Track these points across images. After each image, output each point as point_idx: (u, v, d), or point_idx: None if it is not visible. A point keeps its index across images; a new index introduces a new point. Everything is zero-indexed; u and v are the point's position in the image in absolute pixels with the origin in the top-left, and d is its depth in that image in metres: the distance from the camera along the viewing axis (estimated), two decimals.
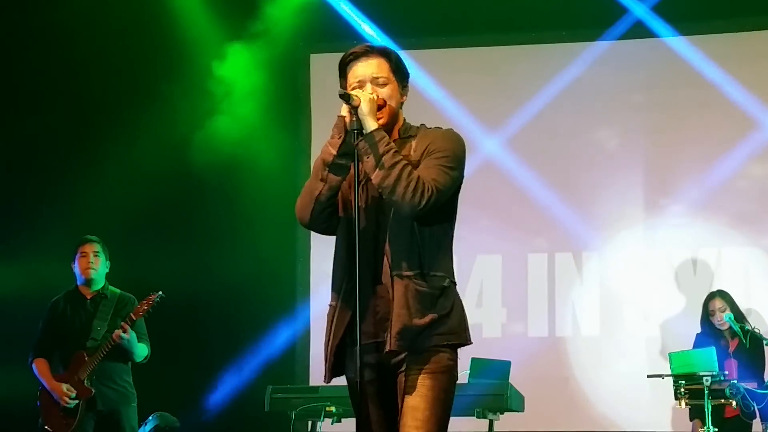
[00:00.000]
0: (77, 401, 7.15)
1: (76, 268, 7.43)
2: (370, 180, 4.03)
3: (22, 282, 8.75)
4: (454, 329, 4.05)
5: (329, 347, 4.11)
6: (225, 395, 9.30)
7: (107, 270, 7.48)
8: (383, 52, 4.16)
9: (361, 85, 4.10)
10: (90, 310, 7.37)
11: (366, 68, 4.12)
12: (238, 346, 9.29)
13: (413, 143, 4.11)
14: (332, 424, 7.65)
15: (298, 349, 9.37)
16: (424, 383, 3.98)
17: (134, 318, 7.13)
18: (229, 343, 9.30)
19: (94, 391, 7.16)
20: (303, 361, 9.32)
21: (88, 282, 7.41)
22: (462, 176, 4.13)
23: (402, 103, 4.19)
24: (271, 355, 9.28)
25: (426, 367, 3.99)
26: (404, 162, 3.97)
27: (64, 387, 7.16)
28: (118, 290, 7.48)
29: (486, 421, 7.69)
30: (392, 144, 4.01)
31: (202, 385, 9.27)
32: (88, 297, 7.42)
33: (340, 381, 4.24)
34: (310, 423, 7.88)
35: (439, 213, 4.05)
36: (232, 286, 9.28)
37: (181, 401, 8.83)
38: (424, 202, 3.94)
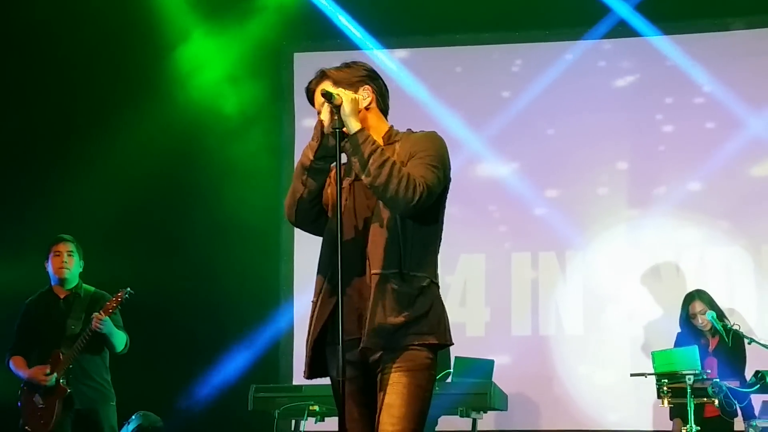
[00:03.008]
0: (55, 374, 7.12)
1: (50, 268, 7.42)
2: (357, 180, 4.07)
3: (1, 282, 8.71)
4: (432, 329, 4.06)
5: (307, 342, 4.14)
6: (208, 394, 9.28)
7: (81, 269, 7.47)
8: (320, 77, 4.23)
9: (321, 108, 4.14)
10: (63, 309, 7.37)
11: (317, 98, 4.17)
12: (221, 345, 9.28)
13: (397, 147, 4.15)
14: (315, 422, 7.65)
15: (282, 348, 9.36)
16: (400, 381, 4.00)
17: (103, 315, 7.10)
18: (213, 342, 9.29)
19: (69, 390, 7.15)
20: (286, 361, 9.32)
21: (62, 282, 7.41)
22: (448, 177, 4.15)
23: (370, 106, 4.20)
24: (254, 354, 9.28)
25: (402, 365, 4.01)
26: (392, 160, 4.00)
27: (38, 369, 7.15)
28: (92, 288, 7.48)
29: (469, 420, 7.71)
30: (377, 143, 4.04)
31: (186, 384, 9.25)
32: (62, 296, 7.42)
33: (323, 380, 4.25)
34: (293, 422, 7.89)
35: (425, 214, 4.08)
36: (216, 285, 9.28)
37: (165, 400, 8.82)
38: (417, 197, 3.96)
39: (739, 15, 9.15)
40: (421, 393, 4.02)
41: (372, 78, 4.26)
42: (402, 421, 3.96)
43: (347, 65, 4.26)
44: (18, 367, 7.34)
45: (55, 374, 7.14)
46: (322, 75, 4.23)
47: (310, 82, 4.26)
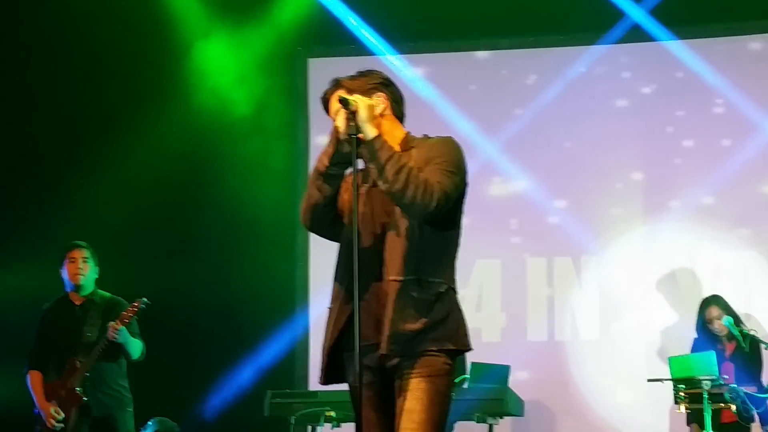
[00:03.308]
0: (62, 425, 7.13)
1: (65, 274, 7.41)
2: (374, 186, 4.06)
3: (18, 288, 8.73)
4: (451, 335, 4.06)
5: (324, 348, 4.15)
6: (224, 400, 9.28)
7: (96, 276, 7.46)
8: (334, 86, 4.25)
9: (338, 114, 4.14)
10: (79, 316, 7.35)
11: (333, 106, 4.19)
12: (237, 351, 9.27)
13: (413, 153, 4.14)
14: (332, 428, 7.65)
15: (298, 354, 9.36)
16: (419, 386, 4.00)
17: (119, 326, 7.10)
18: (229, 348, 9.29)
19: (86, 399, 7.13)
20: (302, 366, 9.32)
21: (77, 288, 7.39)
22: (465, 182, 4.15)
23: (384, 113, 4.21)
24: (270, 359, 9.27)
25: (422, 371, 4.01)
26: (410, 165, 4.00)
27: (52, 410, 7.14)
28: (108, 294, 7.47)
29: (486, 426, 7.71)
30: (394, 149, 4.03)
31: (202, 390, 9.26)
32: (77, 303, 7.40)
33: (339, 386, 4.25)
34: (309, 428, 7.89)
35: (442, 220, 4.07)
36: (231, 290, 9.28)
37: (181, 406, 8.82)
38: (434, 203, 3.97)
39: (754, 19, 9.13)
40: (441, 399, 4.02)
41: (385, 85, 4.27)
42: (422, 427, 3.96)
43: (362, 74, 4.28)
44: (34, 388, 7.29)
45: (63, 423, 7.14)
46: (337, 84, 4.26)
47: (325, 92, 4.28)
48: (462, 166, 4.13)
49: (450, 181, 4.04)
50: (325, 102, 4.28)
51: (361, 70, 4.33)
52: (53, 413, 7.14)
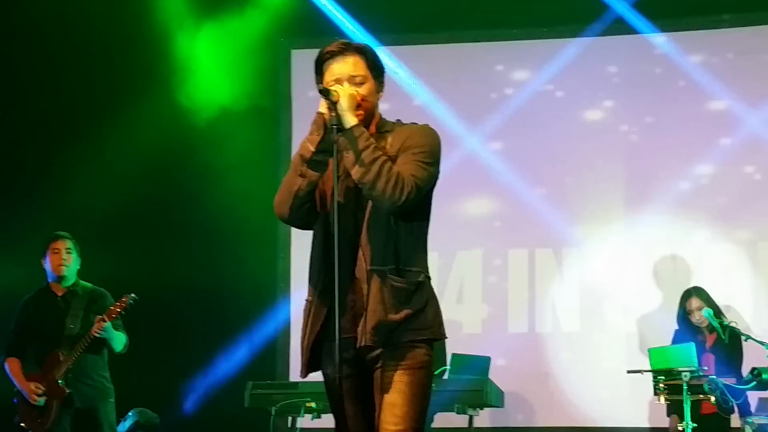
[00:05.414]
0: (45, 398, 7.11)
1: (47, 265, 7.39)
2: (348, 175, 4.04)
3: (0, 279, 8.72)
4: (429, 324, 4.06)
5: (305, 342, 4.12)
6: (205, 391, 9.28)
7: (79, 267, 7.44)
8: (360, 50, 4.16)
9: (338, 83, 4.09)
10: (61, 307, 7.33)
11: (343, 67, 4.13)
12: (218, 342, 9.28)
13: (389, 138, 4.12)
14: (312, 419, 7.66)
15: (279, 345, 9.36)
16: (401, 379, 3.99)
17: (107, 320, 7.07)
18: (209, 339, 9.29)
19: (69, 390, 7.12)
20: (283, 357, 9.32)
21: (60, 279, 7.37)
22: (438, 171, 4.14)
23: (378, 99, 4.19)
24: (251, 350, 9.28)
25: (403, 363, 4.00)
26: (384, 158, 3.98)
27: (32, 385, 7.13)
28: (90, 285, 7.45)
29: (466, 417, 7.72)
30: (372, 140, 4.01)
31: (182, 381, 9.26)
32: (60, 294, 7.38)
33: (319, 377, 4.25)
34: (290, 419, 7.90)
35: (415, 208, 4.06)
36: (213, 281, 9.28)
37: (161, 397, 8.82)
38: (404, 198, 3.95)
39: (735, 12, 9.15)
40: (423, 391, 4.02)
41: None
42: (404, 421, 3.95)
43: (373, 50, 4.18)
44: (13, 372, 7.29)
45: (45, 398, 7.12)
46: (362, 51, 4.15)
47: (349, 45, 4.15)
48: (438, 156, 4.12)
49: (425, 173, 4.03)
50: (332, 55, 4.13)
51: (362, 43, 4.23)
52: (34, 389, 7.12)
